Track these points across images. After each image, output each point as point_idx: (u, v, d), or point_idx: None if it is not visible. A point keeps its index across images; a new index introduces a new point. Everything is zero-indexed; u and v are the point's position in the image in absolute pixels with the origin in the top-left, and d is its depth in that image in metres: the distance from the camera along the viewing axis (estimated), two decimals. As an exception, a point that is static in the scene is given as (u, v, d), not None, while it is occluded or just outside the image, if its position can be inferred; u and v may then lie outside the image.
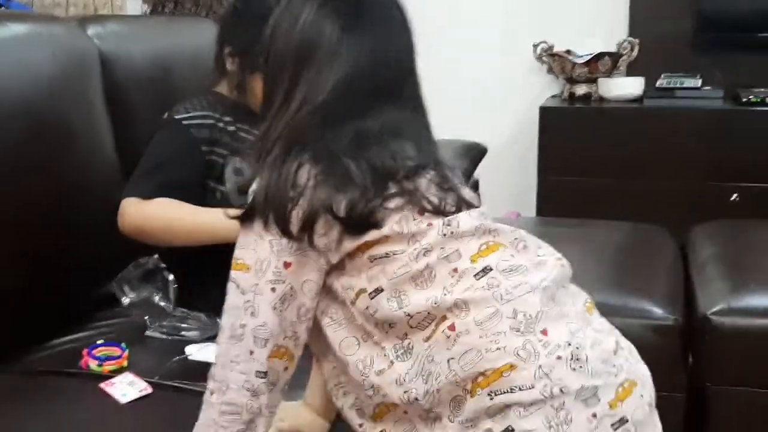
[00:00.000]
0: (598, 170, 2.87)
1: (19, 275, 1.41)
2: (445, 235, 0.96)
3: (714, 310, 1.65)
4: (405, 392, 0.92)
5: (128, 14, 2.99)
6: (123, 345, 1.38)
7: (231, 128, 1.53)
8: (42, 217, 1.45)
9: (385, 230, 0.95)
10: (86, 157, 1.58)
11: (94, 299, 1.58)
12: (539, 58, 3.19)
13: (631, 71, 3.10)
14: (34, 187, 1.44)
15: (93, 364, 1.34)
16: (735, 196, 2.76)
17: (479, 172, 2.24)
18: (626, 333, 1.01)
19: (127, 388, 1.27)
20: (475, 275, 0.95)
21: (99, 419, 1.23)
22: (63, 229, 1.50)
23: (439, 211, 0.98)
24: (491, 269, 0.95)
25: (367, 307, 0.95)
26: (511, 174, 3.33)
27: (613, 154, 2.84)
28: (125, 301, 1.49)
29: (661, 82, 2.93)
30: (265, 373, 0.97)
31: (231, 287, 0.98)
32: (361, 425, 0.99)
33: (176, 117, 1.51)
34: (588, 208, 2.71)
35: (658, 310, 1.65)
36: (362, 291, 0.95)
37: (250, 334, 0.96)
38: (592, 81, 3.02)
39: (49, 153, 1.49)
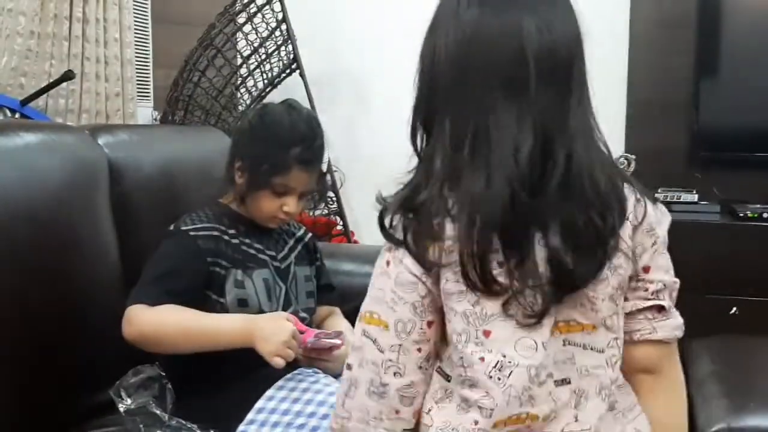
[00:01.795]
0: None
1: (18, 380, 1.40)
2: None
3: (713, 429, 1.62)
4: None
5: (139, 122, 3.07)
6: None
7: (234, 241, 1.56)
8: (43, 323, 1.46)
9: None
10: (90, 265, 1.59)
11: (91, 406, 1.56)
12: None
13: (627, 185, 3.16)
14: (36, 294, 1.45)
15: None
16: (734, 309, 2.77)
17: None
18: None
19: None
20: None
21: None
22: (63, 336, 1.50)
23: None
24: None
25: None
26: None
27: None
28: (122, 407, 1.48)
29: (658, 196, 2.98)
30: (413, 429, 1.01)
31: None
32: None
33: (183, 228, 1.53)
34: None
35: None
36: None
37: (395, 394, 0.99)
38: (590, 194, 3.06)
39: (53, 259, 1.51)
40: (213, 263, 1.51)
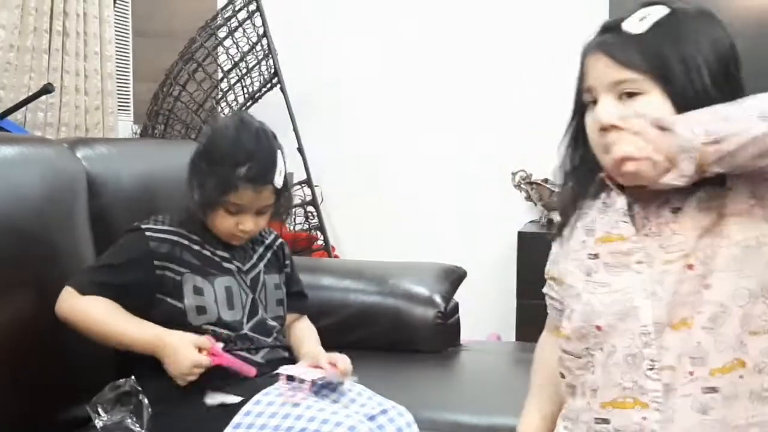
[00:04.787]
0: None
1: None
2: None
3: None
4: None
5: (119, 136, 3.06)
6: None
7: (195, 247, 1.56)
8: (20, 335, 1.46)
9: None
10: (68, 278, 1.58)
11: (68, 420, 1.55)
12: (518, 185, 3.28)
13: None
14: (13, 307, 1.45)
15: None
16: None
17: (459, 295, 2.27)
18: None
19: None
20: None
21: None
22: (40, 349, 1.50)
23: None
24: None
25: None
26: (491, 297, 3.35)
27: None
28: (99, 423, 1.47)
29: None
30: None
31: None
32: None
33: (143, 227, 1.56)
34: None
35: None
36: None
37: None
38: (570, 208, 3.09)
39: (31, 272, 1.51)
40: (163, 267, 1.52)
